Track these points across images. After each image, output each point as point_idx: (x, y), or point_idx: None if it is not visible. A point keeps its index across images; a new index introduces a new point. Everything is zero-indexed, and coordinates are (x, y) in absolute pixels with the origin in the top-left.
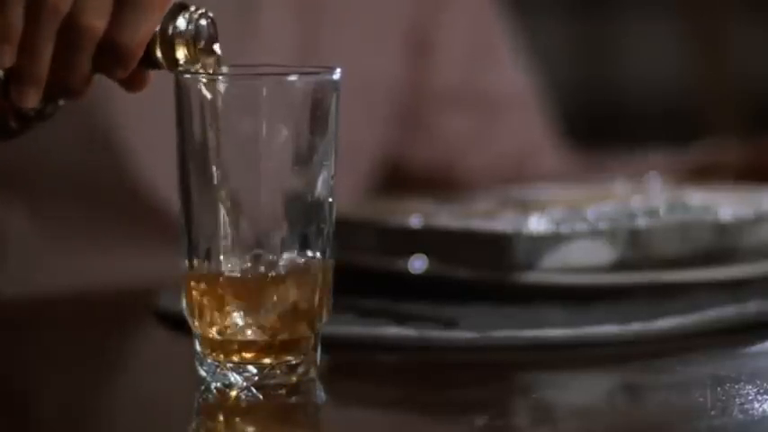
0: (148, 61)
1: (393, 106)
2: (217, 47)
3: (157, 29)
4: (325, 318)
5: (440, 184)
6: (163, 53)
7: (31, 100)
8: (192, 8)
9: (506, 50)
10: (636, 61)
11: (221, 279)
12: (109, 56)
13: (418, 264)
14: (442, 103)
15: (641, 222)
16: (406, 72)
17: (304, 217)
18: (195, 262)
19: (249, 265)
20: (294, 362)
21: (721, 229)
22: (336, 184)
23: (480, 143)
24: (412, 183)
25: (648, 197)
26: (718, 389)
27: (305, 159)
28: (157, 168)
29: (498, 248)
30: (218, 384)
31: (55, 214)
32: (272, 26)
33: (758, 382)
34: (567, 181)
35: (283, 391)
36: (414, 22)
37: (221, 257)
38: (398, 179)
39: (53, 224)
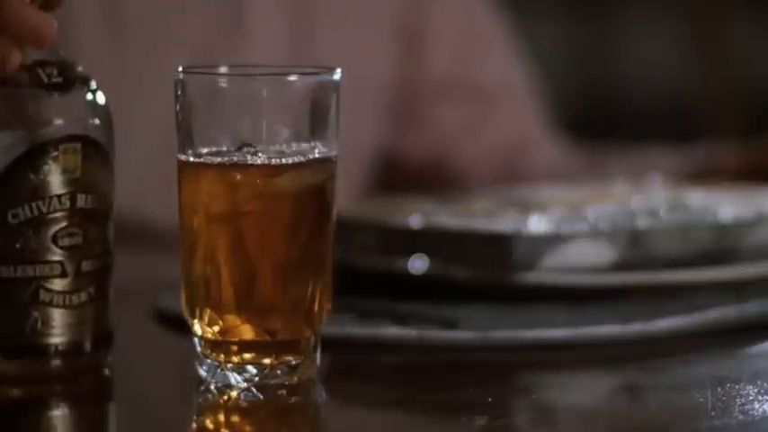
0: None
1: (386, 102)
2: None
3: None
4: (324, 318)
5: (436, 176)
6: None
7: None
8: None
9: (499, 41)
10: (636, 61)
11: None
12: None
13: (418, 264)
14: (435, 96)
15: (641, 223)
16: (398, 67)
17: None
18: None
19: None
20: (294, 362)
21: (721, 229)
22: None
23: (474, 133)
24: (408, 177)
25: (648, 197)
26: (719, 389)
27: None
28: (138, 190)
29: (498, 248)
30: (219, 384)
31: None
32: (261, 23)
33: (759, 382)
34: (568, 178)
35: (283, 392)
36: (404, 15)
37: None
38: (395, 174)
39: None
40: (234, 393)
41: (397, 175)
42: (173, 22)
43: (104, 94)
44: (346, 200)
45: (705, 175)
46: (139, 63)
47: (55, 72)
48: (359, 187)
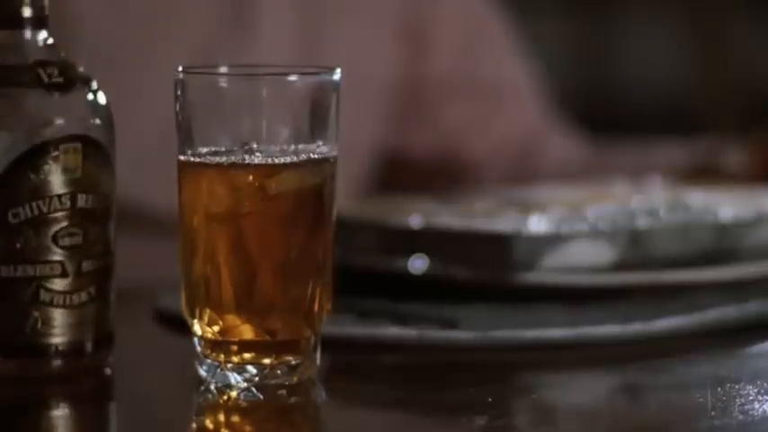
0: None
1: (392, 102)
2: None
3: None
4: (324, 318)
5: (448, 173)
6: None
7: None
8: None
9: (502, 39)
10: (636, 61)
11: None
12: None
13: (418, 264)
14: (442, 93)
15: (642, 222)
16: (403, 67)
17: None
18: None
19: None
20: (294, 362)
21: (722, 229)
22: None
23: (483, 129)
24: (420, 175)
25: (648, 197)
26: (719, 389)
27: None
28: (140, 181)
29: (498, 248)
30: (218, 384)
31: None
32: (270, 24)
33: (758, 382)
34: (581, 169)
35: (283, 392)
36: (407, 14)
37: None
38: (405, 173)
39: None
40: (234, 393)
41: (411, 174)
42: (181, 21)
43: (107, 93)
44: (346, 200)
45: (705, 175)
46: (146, 63)
47: (56, 72)
48: (359, 187)
